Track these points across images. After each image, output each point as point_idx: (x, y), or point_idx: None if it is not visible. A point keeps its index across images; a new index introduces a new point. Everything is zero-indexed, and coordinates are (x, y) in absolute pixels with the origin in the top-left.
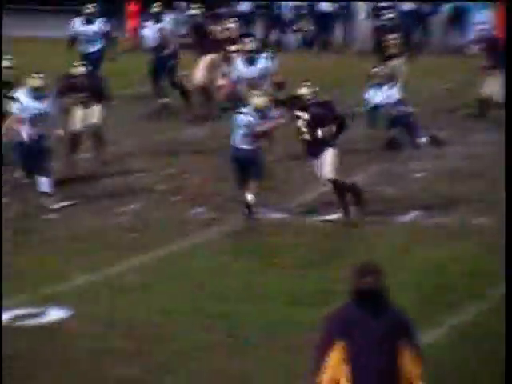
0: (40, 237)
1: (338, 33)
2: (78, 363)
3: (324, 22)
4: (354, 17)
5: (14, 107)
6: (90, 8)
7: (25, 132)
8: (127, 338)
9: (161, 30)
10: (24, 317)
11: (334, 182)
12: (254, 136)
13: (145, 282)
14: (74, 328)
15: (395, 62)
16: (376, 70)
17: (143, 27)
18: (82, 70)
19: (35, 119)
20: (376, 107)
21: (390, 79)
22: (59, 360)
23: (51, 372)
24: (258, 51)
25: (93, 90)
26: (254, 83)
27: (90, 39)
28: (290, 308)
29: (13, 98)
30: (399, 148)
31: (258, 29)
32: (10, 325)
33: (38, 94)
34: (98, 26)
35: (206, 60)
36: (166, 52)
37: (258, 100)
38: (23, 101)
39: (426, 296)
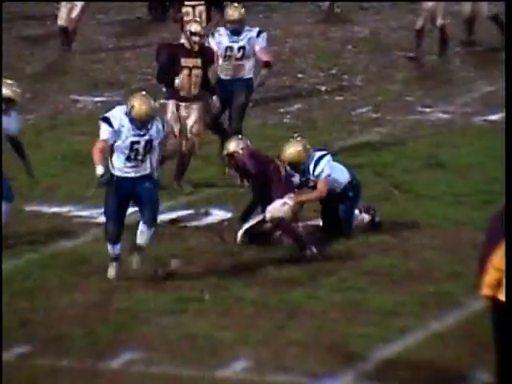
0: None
1: None
2: (244, 267)
3: None
4: None
5: (102, 130)
6: None
7: (114, 166)
8: None
9: None
10: (188, 217)
11: None
12: None
13: None
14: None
15: None
16: None
17: None
18: None
19: (128, 152)
20: None
21: None
22: (225, 258)
23: (216, 271)
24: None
25: None
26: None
27: None
28: (453, 207)
29: (105, 119)
30: None
31: None
32: (173, 225)
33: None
34: None
35: None
36: None
37: None
38: (117, 124)
39: None
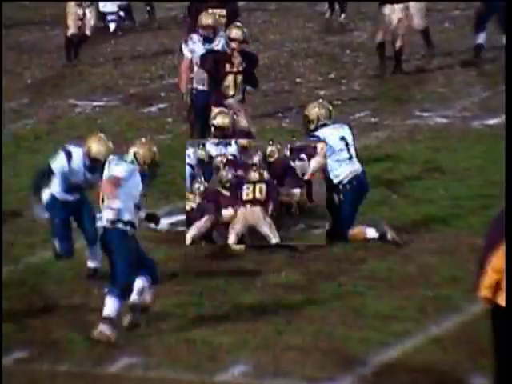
0: None
1: None
2: (243, 272)
3: None
4: None
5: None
6: None
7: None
8: None
9: None
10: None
11: None
12: None
13: None
14: None
15: None
16: None
17: None
18: None
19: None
20: None
21: None
22: (224, 262)
23: (215, 275)
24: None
25: None
26: None
27: None
28: (451, 212)
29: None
30: None
31: None
32: (172, 230)
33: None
34: None
35: None
36: None
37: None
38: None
39: None
